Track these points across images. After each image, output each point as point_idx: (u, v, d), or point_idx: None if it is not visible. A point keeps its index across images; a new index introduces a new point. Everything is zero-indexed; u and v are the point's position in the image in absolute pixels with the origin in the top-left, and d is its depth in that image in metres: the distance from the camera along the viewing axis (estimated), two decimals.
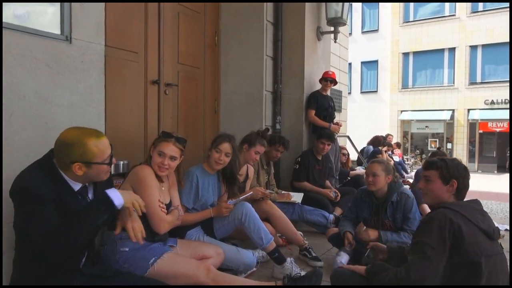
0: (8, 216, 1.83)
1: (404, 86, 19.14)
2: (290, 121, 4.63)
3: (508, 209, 7.45)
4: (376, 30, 19.99)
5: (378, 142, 8.19)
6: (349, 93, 17.11)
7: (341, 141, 5.83)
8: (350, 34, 15.13)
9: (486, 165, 17.61)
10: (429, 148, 18.94)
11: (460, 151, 17.86)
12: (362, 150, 8.16)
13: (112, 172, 1.96)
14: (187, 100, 3.97)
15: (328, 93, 4.86)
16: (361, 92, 20.49)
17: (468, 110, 17.62)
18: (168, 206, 2.30)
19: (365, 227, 2.89)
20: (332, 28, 4.94)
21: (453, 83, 17.83)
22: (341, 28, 5.08)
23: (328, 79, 4.70)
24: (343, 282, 1.99)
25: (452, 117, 18.01)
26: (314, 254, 3.04)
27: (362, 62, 20.28)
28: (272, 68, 4.48)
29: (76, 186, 1.68)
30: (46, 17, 2.14)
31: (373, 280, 1.84)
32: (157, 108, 3.56)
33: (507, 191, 10.50)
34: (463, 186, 1.84)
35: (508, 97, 16.15)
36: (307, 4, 4.58)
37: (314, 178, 4.34)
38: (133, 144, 3.32)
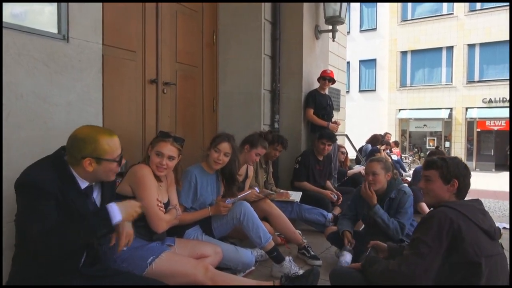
0: (8, 216, 1.82)
1: (402, 84, 19.16)
2: (289, 120, 4.62)
3: (506, 207, 7.48)
4: (374, 29, 20.00)
5: (376, 140, 8.21)
6: (348, 91, 17.13)
7: (339, 140, 5.82)
8: (348, 32, 15.11)
9: (484, 164, 17.69)
10: (427, 147, 19.00)
11: (458, 149, 17.90)
12: (361, 149, 8.18)
13: None
14: (185, 99, 3.96)
15: (327, 91, 4.86)
16: (359, 91, 20.50)
17: (466, 108, 17.67)
18: (166, 205, 2.30)
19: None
20: (330, 27, 4.93)
21: (451, 82, 17.87)
22: (339, 27, 5.09)
23: (326, 77, 4.70)
24: (342, 280, 2.00)
25: (450, 115, 18.05)
26: (312, 253, 3.05)
27: (360, 61, 20.29)
28: (271, 67, 4.48)
29: (83, 184, 1.68)
30: (44, 16, 2.13)
31: (367, 272, 1.88)
32: (155, 107, 3.55)
33: (505, 189, 10.54)
34: (464, 185, 1.84)
35: (506, 96, 16.20)
36: (305, 3, 4.57)
37: (314, 178, 4.33)
38: (131, 143, 3.31)
